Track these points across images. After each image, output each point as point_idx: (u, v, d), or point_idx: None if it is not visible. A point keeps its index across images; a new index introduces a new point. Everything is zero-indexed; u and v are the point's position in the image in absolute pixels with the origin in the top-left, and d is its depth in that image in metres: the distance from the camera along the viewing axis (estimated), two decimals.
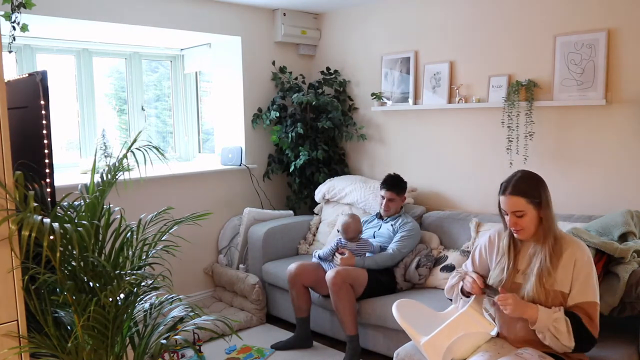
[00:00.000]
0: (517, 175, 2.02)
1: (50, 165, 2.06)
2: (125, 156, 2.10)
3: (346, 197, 3.91)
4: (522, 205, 1.96)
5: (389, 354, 2.92)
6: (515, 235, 2.04)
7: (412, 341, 2.35)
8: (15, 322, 1.82)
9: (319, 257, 3.32)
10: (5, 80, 1.80)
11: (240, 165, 4.14)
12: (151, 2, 3.64)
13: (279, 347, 3.31)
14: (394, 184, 3.40)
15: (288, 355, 3.23)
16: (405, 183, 3.46)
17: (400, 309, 2.28)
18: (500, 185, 2.07)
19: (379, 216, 3.50)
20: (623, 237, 2.54)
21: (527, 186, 1.97)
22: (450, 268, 3.15)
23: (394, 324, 2.92)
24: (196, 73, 4.62)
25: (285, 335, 3.49)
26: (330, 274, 3.05)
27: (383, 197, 3.41)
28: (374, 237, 3.39)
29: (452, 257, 3.21)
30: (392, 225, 3.36)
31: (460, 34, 3.61)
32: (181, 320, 2.17)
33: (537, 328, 1.88)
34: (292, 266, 3.28)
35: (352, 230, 3.28)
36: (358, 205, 3.85)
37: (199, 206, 3.81)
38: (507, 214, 2.01)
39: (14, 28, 2.37)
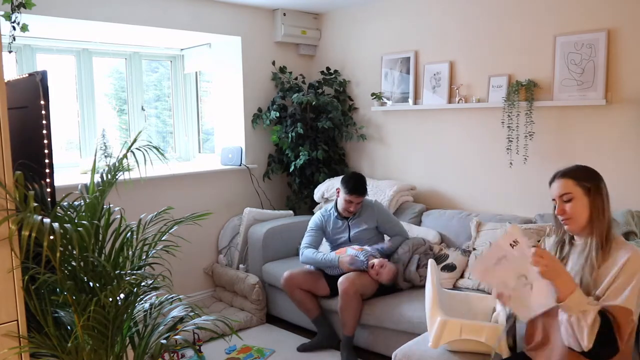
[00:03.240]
0: (581, 165, 1.93)
1: (50, 165, 2.06)
2: (125, 156, 2.10)
3: None
4: (570, 187, 1.83)
5: (387, 354, 2.92)
6: (565, 227, 1.87)
7: (410, 342, 2.35)
8: (15, 322, 1.81)
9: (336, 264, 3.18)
10: (5, 80, 1.80)
11: (240, 165, 4.14)
12: (151, 2, 3.64)
13: (305, 348, 3.27)
14: (364, 188, 3.28)
15: (290, 356, 3.23)
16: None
17: (435, 270, 2.30)
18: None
19: (340, 215, 3.36)
20: (624, 237, 2.54)
21: (579, 171, 1.87)
22: (451, 267, 3.15)
23: (393, 325, 2.93)
24: (196, 73, 4.62)
25: (285, 335, 3.50)
26: (344, 283, 3.01)
27: (350, 202, 3.24)
28: (350, 241, 3.30)
29: (453, 256, 3.21)
30: (365, 222, 3.30)
31: (460, 34, 3.61)
32: (181, 320, 2.17)
33: (563, 307, 1.69)
34: (285, 275, 3.26)
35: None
36: None
37: (199, 206, 3.81)
38: (557, 204, 1.87)
39: (14, 28, 2.37)
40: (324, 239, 3.44)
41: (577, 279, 1.78)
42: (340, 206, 3.32)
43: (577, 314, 1.67)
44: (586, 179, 1.85)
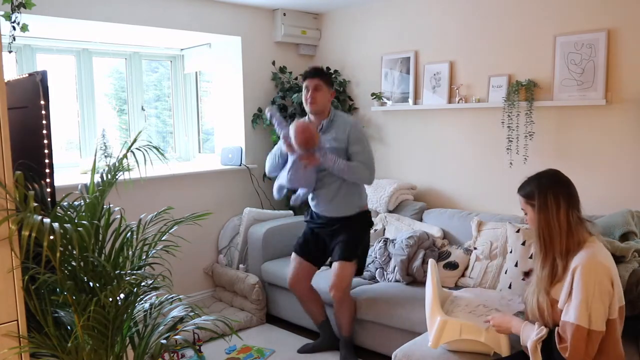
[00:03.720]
0: (537, 173, 1.95)
1: (50, 165, 2.06)
2: (125, 156, 2.10)
3: None
4: (522, 204, 1.95)
5: (387, 354, 2.92)
6: None
7: (410, 341, 2.35)
8: (15, 322, 1.81)
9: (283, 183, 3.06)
10: (5, 80, 1.80)
11: (240, 165, 4.14)
12: (151, 2, 3.64)
13: (306, 350, 3.25)
14: (319, 71, 2.99)
15: (290, 356, 3.23)
16: (332, 76, 3.00)
17: (435, 269, 2.32)
18: None
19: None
20: (624, 237, 2.55)
21: (529, 186, 1.92)
22: (453, 266, 3.15)
23: (393, 324, 2.93)
24: (196, 73, 4.62)
25: (285, 335, 3.49)
26: (333, 291, 2.96)
27: (307, 89, 2.93)
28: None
29: (455, 254, 3.21)
30: (335, 138, 2.93)
31: (460, 34, 3.61)
32: (181, 320, 2.17)
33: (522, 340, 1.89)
34: (288, 278, 3.20)
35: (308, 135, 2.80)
36: None
37: (199, 206, 3.81)
38: None
39: (14, 28, 2.37)
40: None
41: (533, 287, 1.91)
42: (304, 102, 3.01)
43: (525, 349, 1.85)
44: (531, 195, 1.89)
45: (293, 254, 3.25)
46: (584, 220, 1.87)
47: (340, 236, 3.02)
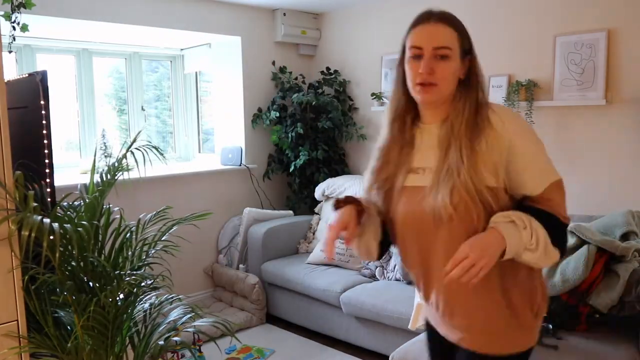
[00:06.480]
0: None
1: (50, 165, 2.06)
2: (124, 156, 2.10)
3: (345, 191, 3.91)
4: (449, 41, 1.36)
5: (387, 353, 2.92)
6: (419, 94, 1.38)
7: (407, 342, 2.36)
8: (15, 322, 1.82)
9: None
10: (5, 80, 1.80)
11: (240, 165, 4.14)
12: (151, 2, 3.64)
13: None
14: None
15: (290, 356, 3.23)
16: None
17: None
18: (415, 18, 1.44)
19: None
20: (624, 237, 2.54)
21: (459, 21, 1.44)
22: None
23: (392, 322, 2.92)
24: (196, 73, 4.62)
25: (285, 335, 3.49)
26: None
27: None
28: None
29: None
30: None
31: None
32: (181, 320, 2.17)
33: (510, 256, 1.24)
34: None
35: None
36: None
37: (199, 206, 3.81)
38: (420, 56, 1.39)
39: (14, 28, 2.37)
40: None
41: (445, 179, 1.28)
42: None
43: (523, 253, 1.24)
44: (467, 34, 1.41)
45: None
46: None
47: None
